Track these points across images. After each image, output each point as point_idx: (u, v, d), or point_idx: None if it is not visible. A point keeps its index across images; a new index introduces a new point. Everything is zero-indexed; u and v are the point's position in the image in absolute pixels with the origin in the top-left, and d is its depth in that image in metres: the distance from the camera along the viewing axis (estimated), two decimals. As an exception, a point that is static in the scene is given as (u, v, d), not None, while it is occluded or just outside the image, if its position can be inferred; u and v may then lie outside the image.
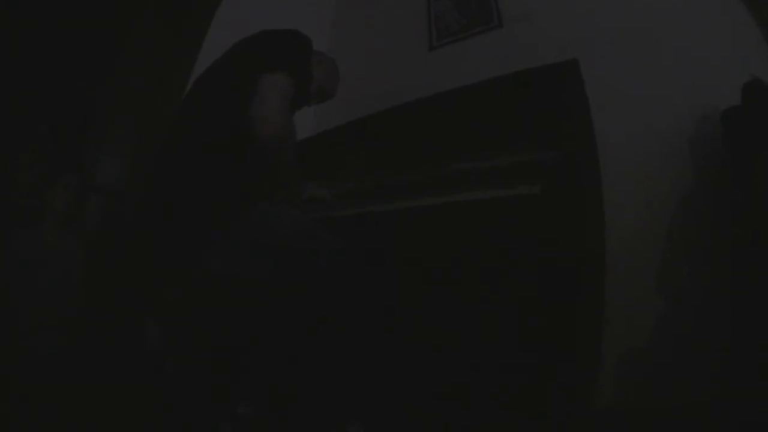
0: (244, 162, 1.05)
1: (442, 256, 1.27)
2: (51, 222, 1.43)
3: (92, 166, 1.47)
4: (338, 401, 1.09)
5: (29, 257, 1.35)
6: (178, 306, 1.13)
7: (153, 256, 1.15)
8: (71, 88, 1.50)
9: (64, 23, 1.50)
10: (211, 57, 1.22)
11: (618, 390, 1.25)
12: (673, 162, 1.34)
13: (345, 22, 2.45)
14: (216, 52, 1.21)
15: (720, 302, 1.20)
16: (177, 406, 1.12)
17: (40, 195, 1.41)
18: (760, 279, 1.11)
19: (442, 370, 1.25)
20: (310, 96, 1.27)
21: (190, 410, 1.11)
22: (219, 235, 1.01)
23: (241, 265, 1.03)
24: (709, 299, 1.22)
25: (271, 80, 1.00)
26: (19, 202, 1.40)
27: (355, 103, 1.76)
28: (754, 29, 1.33)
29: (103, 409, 1.17)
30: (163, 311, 1.18)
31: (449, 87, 1.54)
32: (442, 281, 1.26)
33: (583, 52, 1.37)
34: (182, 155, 1.06)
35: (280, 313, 1.06)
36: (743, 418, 1.06)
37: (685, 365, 1.20)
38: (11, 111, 1.42)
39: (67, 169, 1.46)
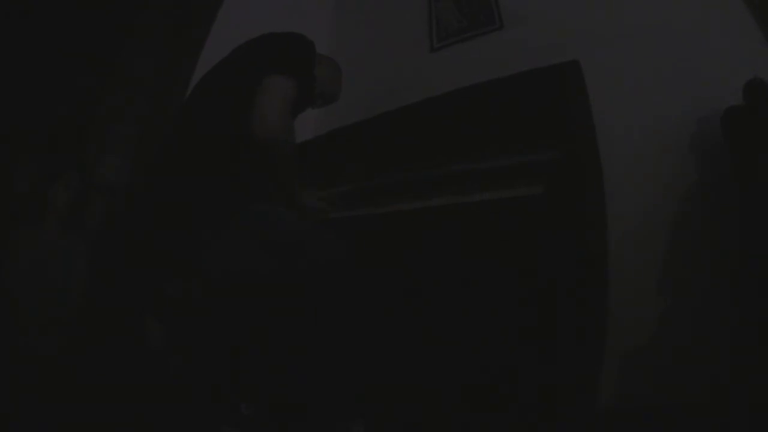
0: (245, 163, 1.05)
1: (442, 257, 1.27)
2: (51, 222, 1.42)
3: (92, 166, 1.47)
4: (339, 401, 1.09)
5: (29, 257, 1.35)
6: (179, 305, 1.13)
7: (153, 255, 1.15)
8: (72, 87, 1.49)
9: (65, 23, 1.50)
10: (213, 58, 1.22)
11: (618, 390, 1.25)
12: (673, 162, 1.34)
13: (346, 24, 2.45)
14: (217, 53, 1.21)
15: (720, 302, 1.20)
16: (177, 406, 1.12)
17: (40, 195, 1.41)
18: (760, 279, 1.11)
19: (442, 370, 1.25)
20: (312, 99, 1.27)
21: (190, 410, 1.11)
22: (219, 235, 1.01)
23: (241, 264, 1.03)
24: (709, 299, 1.22)
25: (272, 82, 1.01)
26: (19, 202, 1.39)
27: (356, 104, 1.76)
28: (754, 29, 1.33)
29: (104, 409, 1.17)
30: (163, 311, 1.18)
31: (450, 88, 1.54)
32: (442, 282, 1.26)
33: (583, 52, 1.37)
34: (183, 155, 1.06)
35: (280, 313, 1.06)
36: (743, 418, 1.06)
37: (685, 365, 1.20)
38: (11, 110, 1.42)
39: (68, 169, 1.45)
